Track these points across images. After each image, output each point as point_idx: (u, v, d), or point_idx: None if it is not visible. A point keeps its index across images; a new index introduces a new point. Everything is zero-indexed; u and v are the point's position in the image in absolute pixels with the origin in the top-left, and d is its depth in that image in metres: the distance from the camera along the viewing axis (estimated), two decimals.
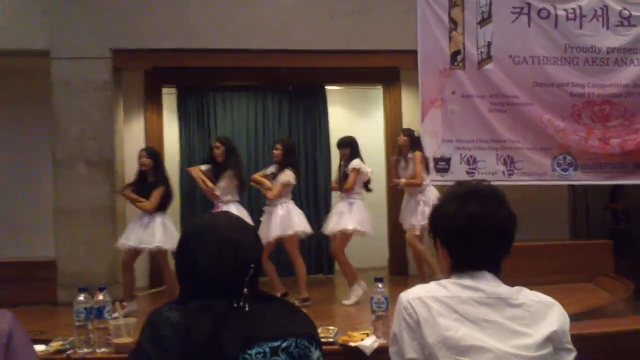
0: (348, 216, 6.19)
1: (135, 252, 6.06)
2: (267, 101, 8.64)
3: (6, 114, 7.84)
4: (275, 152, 6.34)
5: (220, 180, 6.20)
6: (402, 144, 6.52)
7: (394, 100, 8.24)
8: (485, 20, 7.25)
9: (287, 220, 6.16)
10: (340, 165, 6.49)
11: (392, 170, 6.74)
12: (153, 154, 6.26)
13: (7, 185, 7.74)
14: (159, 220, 6.07)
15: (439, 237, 1.80)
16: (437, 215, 1.81)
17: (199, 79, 8.10)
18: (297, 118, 8.64)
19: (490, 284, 1.72)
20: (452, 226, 1.75)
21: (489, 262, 1.76)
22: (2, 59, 7.19)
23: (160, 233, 6.02)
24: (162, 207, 6.15)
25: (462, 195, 1.77)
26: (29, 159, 7.82)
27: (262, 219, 6.28)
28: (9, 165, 7.83)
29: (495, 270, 1.76)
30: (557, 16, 7.32)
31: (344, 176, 6.32)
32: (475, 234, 1.72)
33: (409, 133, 6.59)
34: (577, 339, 1.74)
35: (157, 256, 6.22)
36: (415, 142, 6.52)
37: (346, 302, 6.03)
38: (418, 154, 6.43)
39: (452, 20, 7.21)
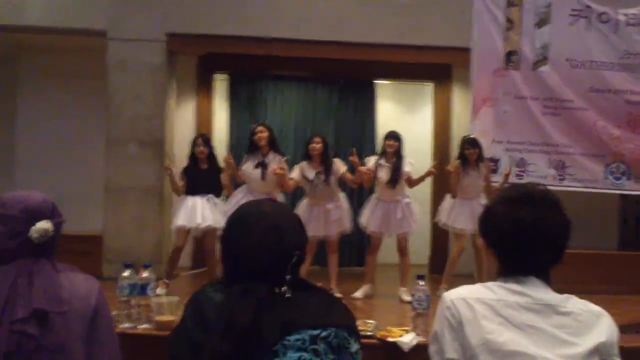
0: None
1: (187, 233, 6.15)
2: (316, 92, 8.65)
3: (62, 90, 8.03)
4: (316, 145, 6.14)
5: (269, 167, 6.11)
6: (474, 157, 6.33)
7: (444, 97, 8.17)
8: (542, 21, 7.11)
9: (348, 214, 6.30)
10: (380, 158, 6.31)
11: (454, 176, 6.41)
12: (208, 141, 6.31)
13: (60, 160, 7.95)
14: (217, 200, 6.19)
15: (487, 239, 1.78)
16: (486, 217, 1.78)
17: (251, 67, 8.15)
18: (346, 111, 8.63)
19: (537, 290, 1.69)
20: (499, 230, 1.72)
21: (536, 268, 1.72)
22: (59, 37, 7.36)
23: (215, 213, 6.08)
24: (219, 192, 6.23)
25: (513, 199, 1.73)
26: (83, 136, 8.02)
27: (332, 217, 6.19)
28: (64, 140, 8.03)
29: (543, 276, 1.72)
30: (617, 21, 7.14)
31: (396, 170, 6.21)
32: (523, 240, 1.69)
33: (476, 143, 6.39)
34: (622, 352, 1.70)
35: (206, 236, 6.23)
36: (482, 152, 6.42)
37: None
38: (487, 164, 6.47)
39: (509, 20, 7.09)
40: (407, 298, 5.82)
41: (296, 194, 6.99)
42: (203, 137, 6.35)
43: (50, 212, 2.09)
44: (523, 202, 1.72)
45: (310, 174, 6.15)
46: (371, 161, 6.32)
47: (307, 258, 6.14)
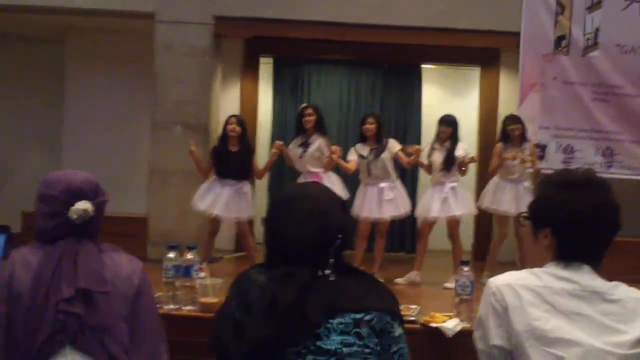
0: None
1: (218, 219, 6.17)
2: (361, 77, 8.61)
3: (109, 72, 8.14)
4: (369, 126, 6.13)
5: (312, 145, 6.18)
6: (517, 134, 6.23)
7: (491, 82, 8.04)
8: (594, 6, 6.96)
9: (403, 199, 6.25)
10: (434, 144, 6.23)
11: (496, 157, 6.33)
12: (242, 121, 6.19)
13: (106, 142, 8.07)
14: (246, 188, 6.12)
15: (550, 226, 1.72)
16: (543, 202, 1.74)
17: (296, 50, 8.14)
18: (390, 95, 8.56)
19: (585, 276, 1.67)
20: (561, 215, 1.68)
21: (594, 253, 1.71)
22: (106, 18, 7.44)
23: (240, 204, 6.07)
24: (249, 175, 6.19)
25: (572, 183, 1.70)
26: (129, 118, 8.12)
27: (385, 197, 6.14)
28: (110, 122, 8.14)
29: (597, 262, 1.70)
30: None
31: (450, 157, 6.11)
32: (586, 225, 1.67)
33: (521, 120, 6.30)
34: None
35: (240, 222, 6.23)
36: (525, 130, 6.32)
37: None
38: (533, 146, 6.37)
39: (559, 4, 6.96)
40: (450, 285, 5.75)
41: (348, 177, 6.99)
42: (237, 117, 6.26)
43: (92, 192, 2.11)
44: (583, 186, 1.70)
45: (365, 152, 6.17)
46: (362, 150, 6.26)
47: (361, 242, 6.22)
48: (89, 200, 2.08)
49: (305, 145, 6.20)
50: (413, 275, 6.14)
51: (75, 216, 2.03)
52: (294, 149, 6.30)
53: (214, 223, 6.19)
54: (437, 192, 6.15)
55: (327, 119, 8.10)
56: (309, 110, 6.26)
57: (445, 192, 6.10)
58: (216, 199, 6.03)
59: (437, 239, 6.61)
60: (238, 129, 6.04)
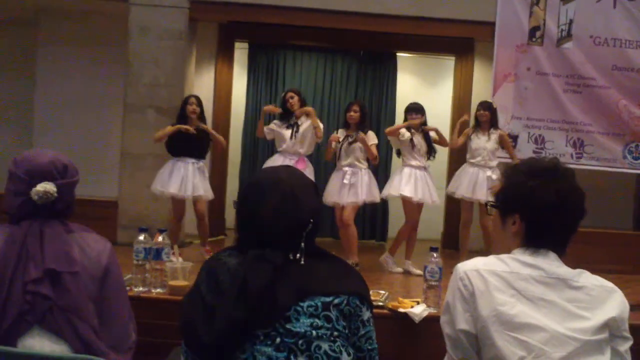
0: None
1: (184, 202, 6.17)
2: (336, 63, 8.60)
3: (80, 57, 8.02)
4: (353, 114, 6.09)
5: (301, 127, 6.21)
6: (484, 120, 6.32)
7: (465, 71, 8.08)
8: None
9: (372, 185, 6.13)
10: (412, 132, 6.18)
11: (459, 134, 6.48)
12: (200, 102, 6.22)
13: (77, 124, 7.97)
14: (204, 167, 6.19)
15: (519, 212, 1.76)
16: (518, 190, 1.77)
17: (271, 36, 8.10)
18: (365, 82, 8.58)
19: (551, 263, 1.70)
20: (540, 201, 1.72)
21: (563, 238, 1.75)
22: (79, 1, 7.36)
23: (204, 182, 6.11)
24: (205, 154, 6.22)
25: (545, 171, 1.75)
26: (101, 101, 8.02)
27: (345, 180, 6.05)
28: (81, 105, 8.04)
29: (563, 249, 1.74)
30: None
31: (429, 141, 6.21)
32: (561, 211, 1.71)
33: (489, 107, 6.39)
34: (632, 329, 1.71)
35: (196, 203, 6.20)
36: (495, 117, 6.39)
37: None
38: (504, 133, 6.41)
39: None
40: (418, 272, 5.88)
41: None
42: (196, 97, 6.25)
43: (58, 173, 2.09)
44: (550, 174, 1.74)
45: (342, 138, 6.18)
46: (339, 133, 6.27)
47: (350, 229, 6.09)
48: (54, 181, 2.06)
49: (295, 126, 6.22)
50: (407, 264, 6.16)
51: (36, 197, 2.02)
52: (277, 127, 6.31)
53: (179, 206, 6.16)
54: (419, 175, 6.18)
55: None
56: (290, 94, 6.33)
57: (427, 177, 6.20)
58: (183, 181, 6.01)
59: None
60: (198, 109, 6.11)
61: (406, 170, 6.14)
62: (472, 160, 6.39)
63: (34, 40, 8.17)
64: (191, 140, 6.01)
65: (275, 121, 6.49)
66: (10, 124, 8.38)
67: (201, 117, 6.18)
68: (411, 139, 6.11)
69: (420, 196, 6.05)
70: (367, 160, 6.15)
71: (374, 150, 6.05)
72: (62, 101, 8.04)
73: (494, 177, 6.15)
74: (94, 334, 1.97)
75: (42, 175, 2.06)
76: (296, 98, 6.29)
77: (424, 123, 6.26)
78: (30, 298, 1.90)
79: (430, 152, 6.24)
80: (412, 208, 6.15)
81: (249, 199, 1.76)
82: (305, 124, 6.24)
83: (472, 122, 6.62)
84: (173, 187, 5.96)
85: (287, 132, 6.23)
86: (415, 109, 6.24)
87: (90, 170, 6.83)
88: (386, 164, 8.20)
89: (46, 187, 2.03)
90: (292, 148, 6.21)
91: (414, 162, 6.15)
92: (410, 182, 6.08)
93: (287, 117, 6.32)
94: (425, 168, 6.19)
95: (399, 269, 6.13)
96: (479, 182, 6.24)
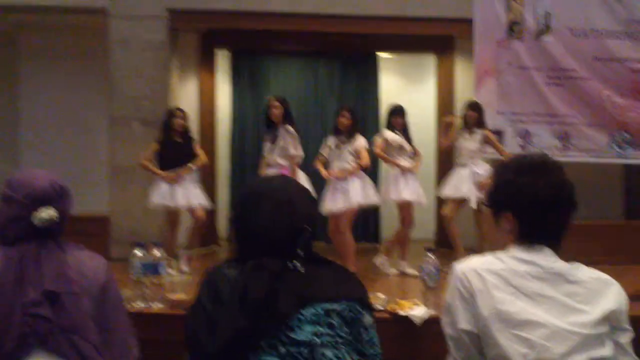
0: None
1: (177, 212, 6.23)
2: (318, 66, 8.63)
3: (63, 71, 8.01)
4: (344, 121, 6.03)
5: (280, 140, 6.09)
6: (472, 120, 6.37)
7: (447, 69, 8.13)
8: None
9: (366, 187, 6.03)
10: (396, 133, 6.24)
11: (446, 133, 6.55)
12: (186, 114, 6.33)
13: (64, 141, 7.95)
14: (190, 178, 6.24)
15: (511, 209, 1.77)
16: (509, 188, 1.78)
17: (252, 42, 8.12)
18: (348, 84, 8.61)
19: (547, 259, 1.72)
20: (531, 198, 1.73)
21: (557, 233, 1.76)
22: (59, 15, 7.30)
23: (196, 189, 6.21)
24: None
25: (534, 167, 1.76)
26: (86, 116, 8.01)
27: (337, 187, 5.98)
28: (66, 122, 8.03)
29: (557, 243, 1.76)
30: None
31: (409, 142, 6.28)
32: (553, 206, 1.73)
33: (477, 107, 6.42)
34: (631, 320, 1.72)
35: (193, 213, 6.26)
36: (482, 117, 6.41)
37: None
38: (489, 132, 6.42)
39: None
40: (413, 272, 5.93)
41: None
42: (182, 110, 6.35)
43: (57, 196, 2.08)
44: (539, 169, 1.75)
45: (333, 145, 6.13)
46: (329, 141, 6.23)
47: (346, 235, 6.05)
48: (54, 205, 2.06)
49: (274, 137, 6.12)
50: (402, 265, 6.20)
51: (38, 222, 2.02)
52: (265, 142, 6.24)
53: (173, 216, 6.22)
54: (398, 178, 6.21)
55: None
56: (275, 103, 6.15)
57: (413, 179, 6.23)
58: (171, 190, 6.11)
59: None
60: (184, 122, 6.21)
61: (399, 173, 6.20)
62: (458, 160, 6.50)
63: (15, 57, 8.14)
64: (179, 152, 6.10)
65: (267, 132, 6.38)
66: None
67: (187, 129, 6.25)
68: (400, 142, 6.19)
69: (415, 197, 6.14)
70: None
71: (364, 158, 6.00)
72: (47, 116, 8.04)
73: (479, 171, 6.20)
74: (96, 352, 1.97)
75: (43, 199, 2.05)
76: (280, 109, 6.09)
77: (405, 123, 6.31)
78: (31, 320, 1.90)
79: (413, 153, 6.31)
80: (410, 210, 6.22)
81: (244, 209, 1.76)
82: (284, 135, 6.09)
83: (459, 121, 6.65)
84: (165, 199, 6.05)
85: (268, 144, 6.18)
86: (398, 111, 6.30)
87: (80, 185, 6.79)
88: (374, 168, 8.11)
89: (49, 212, 2.03)
90: (272, 160, 6.13)
91: (404, 163, 6.20)
92: (408, 185, 6.15)
93: (270, 126, 6.21)
94: (411, 170, 6.24)
95: (394, 271, 6.15)
96: (462, 179, 6.30)
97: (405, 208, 6.20)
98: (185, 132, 6.21)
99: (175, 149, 6.12)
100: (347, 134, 6.04)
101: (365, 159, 5.98)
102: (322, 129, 8.37)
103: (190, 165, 6.12)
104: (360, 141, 6.04)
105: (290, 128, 6.11)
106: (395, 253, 6.36)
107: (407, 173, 6.18)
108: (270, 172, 5.95)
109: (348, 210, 5.94)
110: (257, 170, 6.34)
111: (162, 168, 6.14)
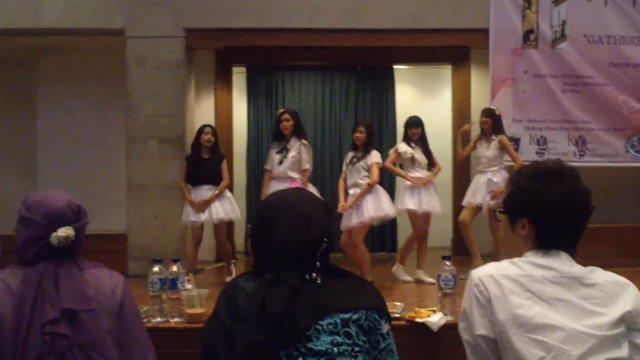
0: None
1: (201, 228, 6.26)
2: (334, 80, 8.65)
3: (81, 90, 8.11)
4: (358, 135, 6.01)
5: (291, 152, 6.16)
6: (486, 127, 6.40)
7: (462, 79, 8.13)
8: None
9: (381, 200, 5.95)
10: (411, 144, 6.29)
11: (464, 144, 6.66)
12: (215, 131, 6.42)
13: (81, 160, 8.03)
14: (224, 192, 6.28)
15: (526, 216, 1.78)
16: (524, 194, 1.78)
17: (268, 58, 8.17)
18: (364, 97, 8.62)
19: (563, 263, 1.72)
20: (547, 204, 1.73)
21: (572, 238, 1.77)
22: (76, 37, 7.40)
23: (225, 205, 6.21)
24: (219, 181, 6.26)
25: (550, 174, 1.76)
26: (103, 135, 8.10)
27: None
28: (84, 140, 8.11)
29: (573, 249, 1.76)
30: None
31: (431, 154, 6.34)
32: (569, 212, 1.73)
33: (491, 114, 6.42)
34: None
35: (216, 228, 6.35)
36: (497, 123, 6.41)
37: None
38: (505, 138, 6.39)
39: None
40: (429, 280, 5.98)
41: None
42: (211, 126, 6.45)
43: (74, 216, 2.10)
44: (555, 176, 1.75)
45: (349, 160, 6.14)
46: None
47: (360, 248, 6.01)
48: (71, 224, 2.08)
49: (284, 151, 6.19)
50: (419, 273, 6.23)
51: (56, 242, 2.04)
52: (271, 155, 6.31)
53: (197, 232, 6.25)
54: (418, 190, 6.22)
55: (303, 124, 8.17)
56: (286, 116, 6.23)
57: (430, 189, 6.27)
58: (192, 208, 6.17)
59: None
60: (213, 138, 6.28)
61: (409, 184, 6.22)
62: (477, 168, 6.56)
63: (33, 79, 8.26)
64: (205, 169, 6.21)
65: (272, 145, 6.43)
66: (14, 163, 8.45)
67: (216, 145, 6.35)
68: (412, 154, 6.21)
69: (425, 207, 6.14)
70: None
71: (374, 174, 5.95)
72: (64, 137, 8.12)
73: (495, 179, 6.20)
74: None
75: (61, 219, 2.07)
76: (291, 122, 6.18)
77: (423, 135, 6.33)
78: (49, 338, 1.91)
79: (431, 164, 6.33)
80: (418, 219, 6.23)
81: (262, 223, 1.78)
82: (294, 148, 6.17)
83: (478, 129, 6.67)
84: (191, 216, 6.14)
85: (277, 157, 6.21)
86: (415, 123, 6.32)
87: (98, 204, 6.89)
88: (390, 179, 8.11)
89: (67, 232, 2.05)
90: (282, 173, 6.17)
91: (416, 175, 6.23)
92: (415, 195, 6.16)
93: (279, 139, 6.28)
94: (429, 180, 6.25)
95: (410, 278, 6.16)
96: (479, 186, 6.35)
97: (415, 217, 6.24)
98: (212, 148, 6.30)
99: (201, 166, 6.23)
100: (362, 149, 6.04)
101: (375, 176, 5.92)
102: (338, 143, 8.40)
103: (215, 192, 6.16)
104: (374, 157, 6.00)
105: (305, 142, 6.20)
106: (409, 260, 6.40)
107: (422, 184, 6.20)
108: (280, 185, 5.90)
109: (359, 224, 5.91)
110: (263, 184, 6.38)
111: (192, 184, 6.29)
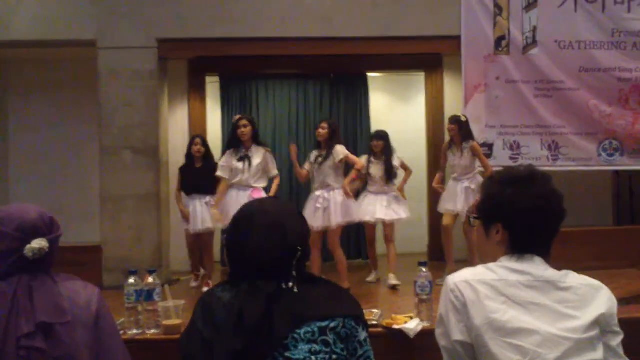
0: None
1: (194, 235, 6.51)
2: (308, 88, 8.66)
3: (52, 103, 8.03)
4: (321, 131, 6.05)
5: (255, 159, 6.06)
6: (453, 134, 6.46)
7: (436, 86, 8.18)
8: (530, 5, 7.16)
9: (348, 205, 5.99)
10: (370, 158, 6.52)
11: (442, 156, 6.73)
12: (205, 141, 6.68)
13: (54, 172, 7.96)
14: (204, 202, 6.46)
15: (500, 221, 1.79)
16: (498, 200, 1.80)
17: (241, 67, 8.15)
18: (338, 105, 8.64)
19: (537, 268, 1.73)
20: (519, 209, 1.75)
21: (546, 242, 1.78)
22: (47, 48, 7.33)
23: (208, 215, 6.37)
24: (214, 189, 6.32)
25: (521, 179, 1.78)
26: (75, 147, 8.03)
27: (318, 205, 5.98)
28: (56, 153, 8.05)
29: (547, 252, 1.78)
30: (604, 0, 7.19)
31: (388, 167, 6.43)
32: (541, 216, 1.75)
33: (457, 120, 6.47)
34: (621, 323, 1.74)
35: (202, 236, 6.53)
36: (465, 130, 6.45)
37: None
38: (476, 144, 6.47)
39: (497, 5, 7.14)
40: (395, 282, 6.09)
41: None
42: (201, 137, 6.74)
43: (47, 228, 2.08)
44: (527, 181, 1.77)
45: (314, 158, 6.15)
46: (363, 158, 6.45)
47: (313, 253, 5.90)
48: (44, 236, 2.05)
49: (245, 158, 6.05)
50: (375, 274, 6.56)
51: (30, 254, 2.01)
52: (229, 163, 6.10)
53: (190, 240, 6.58)
54: (378, 199, 6.46)
55: (277, 133, 8.18)
56: (244, 122, 6.10)
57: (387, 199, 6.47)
58: (193, 217, 6.44)
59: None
60: (202, 149, 6.53)
61: (368, 195, 6.56)
62: (453, 176, 6.61)
63: (4, 91, 8.16)
64: (196, 178, 6.47)
65: (227, 153, 6.23)
66: None
67: (208, 154, 6.59)
68: (368, 171, 6.45)
69: (379, 216, 6.40)
70: (341, 179, 6.10)
71: (359, 163, 6.15)
72: (36, 149, 8.05)
73: (472, 187, 6.25)
74: None
75: (35, 231, 2.04)
76: (249, 128, 6.08)
77: (386, 147, 6.49)
78: (25, 353, 1.88)
79: (390, 177, 6.46)
80: (370, 228, 6.59)
81: (238, 232, 1.78)
82: (257, 155, 6.08)
83: (445, 137, 6.74)
84: (185, 225, 6.52)
85: (239, 165, 6.05)
86: (377, 136, 6.57)
87: (72, 216, 6.83)
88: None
89: (41, 243, 2.03)
90: (245, 182, 6.05)
91: (371, 189, 6.53)
92: (371, 204, 6.46)
93: (237, 146, 6.14)
94: (385, 192, 6.48)
95: (372, 278, 6.55)
96: (457, 193, 6.41)
97: (369, 226, 6.55)
98: (204, 157, 6.55)
99: (194, 175, 6.52)
100: (326, 146, 6.05)
101: (358, 161, 6.12)
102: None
103: (211, 202, 6.36)
104: (340, 153, 6.00)
105: (269, 149, 6.25)
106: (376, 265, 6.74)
107: (376, 195, 6.47)
108: (241, 194, 5.93)
109: (332, 230, 5.99)
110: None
111: (186, 193, 6.59)
